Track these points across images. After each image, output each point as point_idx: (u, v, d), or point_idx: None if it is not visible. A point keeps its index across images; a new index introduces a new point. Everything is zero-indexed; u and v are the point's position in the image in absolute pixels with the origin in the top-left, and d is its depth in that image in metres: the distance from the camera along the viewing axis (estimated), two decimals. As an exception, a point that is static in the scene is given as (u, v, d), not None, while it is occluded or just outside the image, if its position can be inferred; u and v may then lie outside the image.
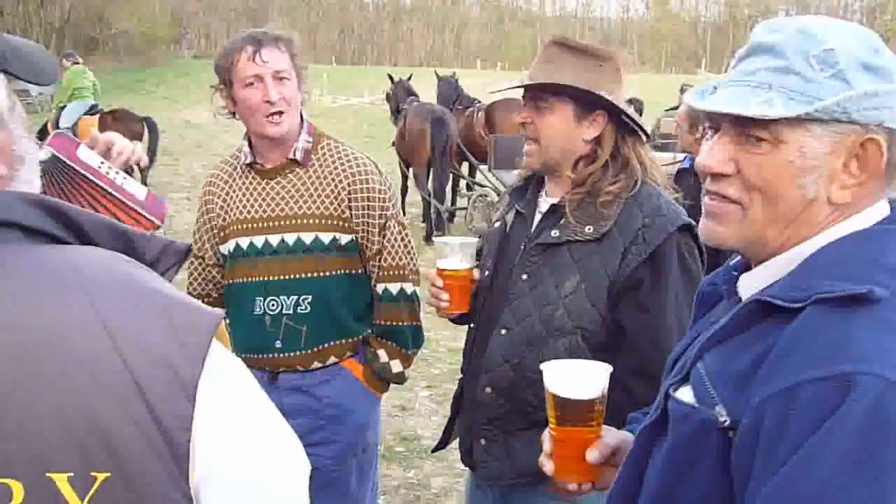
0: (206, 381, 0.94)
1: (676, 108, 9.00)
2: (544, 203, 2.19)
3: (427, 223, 10.34)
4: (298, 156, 2.55)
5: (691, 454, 1.14)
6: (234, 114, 2.56)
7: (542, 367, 1.54)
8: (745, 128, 1.14)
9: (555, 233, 2.08)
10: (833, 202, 1.13)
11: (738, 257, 1.29)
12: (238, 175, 2.62)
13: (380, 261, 2.60)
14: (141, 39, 38.72)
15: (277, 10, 57.61)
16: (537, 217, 2.18)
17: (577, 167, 2.12)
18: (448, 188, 11.17)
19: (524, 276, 2.10)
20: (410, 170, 10.95)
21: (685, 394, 1.19)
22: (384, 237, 2.58)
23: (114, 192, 2.07)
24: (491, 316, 2.18)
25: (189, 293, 2.68)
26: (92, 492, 0.88)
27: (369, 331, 2.67)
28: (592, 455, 1.45)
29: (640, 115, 9.77)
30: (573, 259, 2.05)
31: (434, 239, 2.36)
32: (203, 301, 2.66)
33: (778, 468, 0.99)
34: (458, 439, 2.37)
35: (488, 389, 2.13)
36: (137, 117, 12.61)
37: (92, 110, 12.69)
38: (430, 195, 10.31)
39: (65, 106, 12.89)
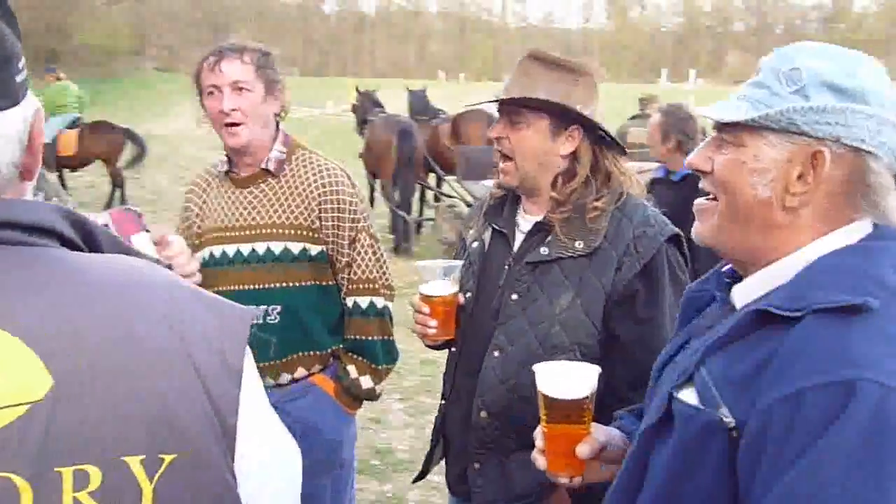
0: (245, 369, 1.03)
1: (637, 116, 9.12)
2: (525, 222, 2.16)
3: (395, 234, 10.35)
4: (271, 166, 2.54)
5: (696, 454, 1.20)
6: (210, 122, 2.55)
7: (534, 367, 1.58)
8: (721, 132, 1.31)
9: (544, 250, 2.05)
10: (786, 207, 1.24)
11: (728, 264, 1.41)
12: (216, 183, 2.62)
13: (349, 273, 2.58)
14: (102, 51, 38.35)
15: (239, 20, 57.37)
16: (519, 236, 2.16)
17: (556, 185, 2.09)
18: (416, 199, 11.20)
19: (514, 297, 2.07)
20: (377, 181, 10.97)
21: (689, 395, 1.25)
22: (354, 249, 2.56)
23: None
24: (477, 338, 2.13)
25: None
26: (160, 473, 0.93)
27: (340, 345, 2.64)
28: (583, 451, 1.51)
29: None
30: (565, 275, 2.03)
31: (417, 264, 2.36)
32: None
33: (785, 470, 1.05)
34: (438, 466, 2.33)
35: (483, 413, 2.08)
36: (117, 128, 12.62)
37: (73, 124, 12.63)
38: (397, 206, 10.32)
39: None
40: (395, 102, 12.83)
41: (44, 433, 0.89)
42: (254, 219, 2.53)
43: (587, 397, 1.55)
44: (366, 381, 2.63)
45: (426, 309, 2.14)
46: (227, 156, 2.60)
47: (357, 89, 12.23)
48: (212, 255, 2.55)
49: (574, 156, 2.08)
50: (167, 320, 0.98)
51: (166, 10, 49.66)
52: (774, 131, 1.23)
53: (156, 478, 0.93)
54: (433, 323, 2.14)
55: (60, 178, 12.78)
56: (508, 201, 2.24)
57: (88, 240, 1.05)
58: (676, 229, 2.04)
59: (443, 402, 2.30)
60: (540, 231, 2.10)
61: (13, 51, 0.99)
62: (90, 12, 39.56)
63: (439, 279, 2.13)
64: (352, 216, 2.56)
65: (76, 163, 12.77)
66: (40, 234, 0.99)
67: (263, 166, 2.54)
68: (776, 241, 1.26)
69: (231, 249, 2.53)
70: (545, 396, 1.56)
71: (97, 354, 0.93)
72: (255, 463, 1.04)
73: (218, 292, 2.44)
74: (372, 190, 11.32)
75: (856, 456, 1.01)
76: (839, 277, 1.16)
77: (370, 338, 2.60)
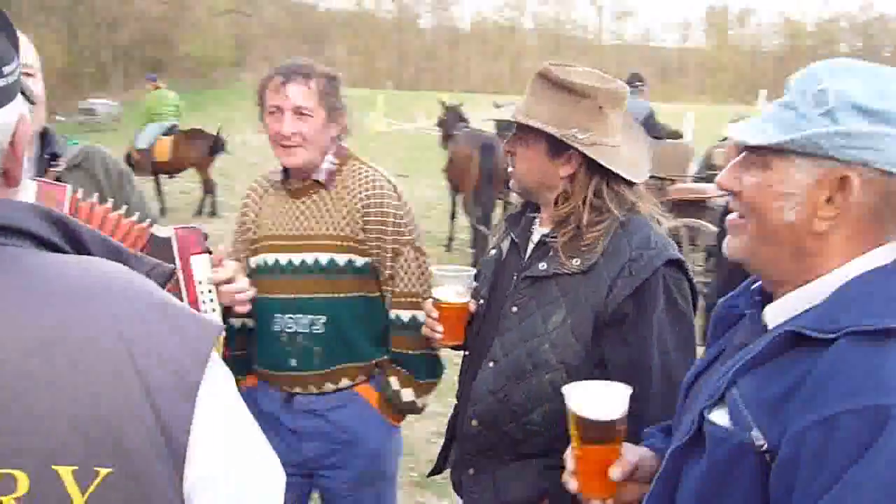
0: (205, 386, 1.00)
1: (727, 139, 8.92)
2: (537, 233, 2.17)
3: (475, 249, 10.35)
4: (321, 177, 2.58)
5: (727, 476, 1.20)
6: None
7: (564, 389, 1.58)
8: (749, 152, 1.30)
9: (543, 265, 2.06)
10: (814, 231, 1.23)
11: (757, 282, 1.40)
12: (271, 192, 2.68)
13: (392, 286, 2.60)
14: (203, 62, 39.59)
15: (336, 34, 58.47)
16: (530, 247, 2.16)
17: (557, 203, 2.10)
18: (497, 214, 11.19)
19: (514, 309, 2.08)
20: (459, 196, 11.00)
21: (720, 416, 1.25)
22: (397, 263, 2.57)
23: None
24: (482, 346, 2.15)
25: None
26: (93, 486, 0.91)
27: (385, 356, 2.65)
28: (615, 473, 1.51)
29: (654, 126, 9.78)
30: (560, 292, 2.02)
31: (432, 269, 2.38)
32: (236, 312, 2.70)
33: (819, 495, 1.05)
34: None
35: (474, 422, 2.11)
36: (209, 136, 12.93)
37: (169, 131, 13.07)
38: (477, 221, 10.33)
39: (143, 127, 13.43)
40: (484, 117, 12.88)
41: None
42: (304, 229, 2.57)
43: (619, 419, 1.54)
44: (407, 394, 2.63)
45: (434, 314, 2.19)
46: (282, 165, 2.65)
47: (443, 103, 12.29)
48: (265, 262, 2.60)
49: (571, 179, 2.07)
50: (118, 332, 0.96)
51: (267, 22, 51.02)
52: (801, 155, 1.22)
53: (89, 490, 0.91)
54: (440, 328, 2.19)
55: (157, 183, 13.25)
56: (528, 211, 2.25)
57: (73, 241, 1.05)
58: (678, 254, 2.00)
59: (456, 402, 2.33)
60: (544, 245, 2.11)
61: None
62: (194, 24, 40.90)
63: (452, 286, 2.17)
64: (395, 229, 2.57)
65: (171, 169, 13.16)
66: (8, 233, 0.99)
67: (315, 177, 2.59)
68: (808, 264, 1.25)
69: (283, 258, 2.57)
70: (578, 417, 1.55)
71: (36, 360, 0.92)
72: (216, 491, 1.00)
73: (267, 299, 2.53)
74: (454, 205, 11.34)
75: (889, 486, 1.01)
76: (872, 300, 1.16)
77: (412, 352, 2.60)
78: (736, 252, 1.34)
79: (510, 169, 2.18)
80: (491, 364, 2.08)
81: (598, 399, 1.55)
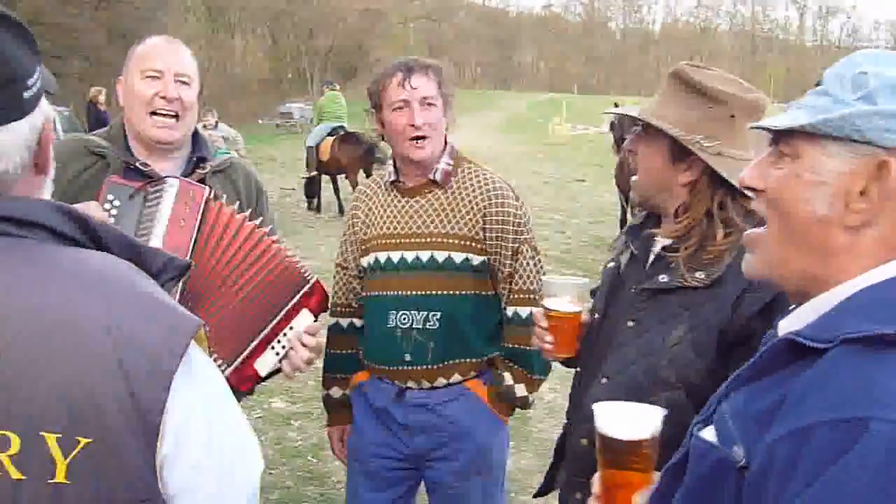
0: (180, 376, 1.11)
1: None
2: (658, 246, 2.06)
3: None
4: (438, 177, 2.65)
5: (708, 494, 1.13)
6: (382, 136, 2.71)
7: (594, 406, 1.51)
8: (776, 145, 1.19)
9: (663, 278, 1.95)
10: (846, 225, 1.11)
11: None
12: (382, 192, 2.76)
13: (511, 284, 2.65)
14: (395, 67, 40.85)
15: (526, 39, 58.67)
16: (651, 259, 2.07)
17: (677, 215, 1.98)
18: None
19: (630, 323, 1.99)
20: (629, 203, 10.85)
21: (708, 433, 1.18)
22: (516, 261, 2.63)
23: (259, 333, 2.27)
24: (596, 362, 2.08)
25: (333, 302, 2.84)
26: (74, 453, 1.05)
27: (496, 353, 2.71)
28: (638, 499, 1.41)
29: None
30: (682, 307, 1.92)
31: (543, 278, 2.38)
32: (344, 311, 2.84)
33: None
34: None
35: (584, 440, 2.03)
36: (362, 143, 12.87)
37: (333, 131, 13.57)
38: (647, 227, 10.12)
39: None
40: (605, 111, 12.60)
41: None
42: (419, 227, 2.65)
43: (645, 440, 1.44)
44: (520, 390, 2.68)
45: (544, 323, 2.12)
46: (393, 166, 2.75)
47: (616, 106, 12.11)
48: (377, 260, 2.70)
49: (692, 188, 1.96)
50: (105, 320, 1.08)
51: (458, 28, 52.03)
52: (835, 139, 1.11)
53: (71, 456, 1.05)
54: (549, 338, 2.12)
55: (334, 183, 13.72)
56: (649, 222, 2.15)
57: (92, 237, 1.18)
58: None
59: (566, 421, 2.27)
60: (665, 257, 2.00)
61: (21, 70, 1.14)
62: (387, 31, 42.37)
63: (563, 295, 2.10)
64: (515, 228, 2.64)
65: (331, 169, 13.45)
66: (27, 227, 1.13)
67: (431, 177, 2.66)
68: (834, 267, 1.13)
69: (395, 256, 2.66)
70: (600, 435, 1.47)
71: (33, 337, 1.06)
72: (186, 467, 1.12)
73: (381, 296, 2.65)
74: (623, 211, 11.19)
75: (860, 496, 0.91)
76: (880, 307, 1.05)
77: (529, 347, 2.59)
78: (756, 268, 1.23)
79: (633, 178, 2.07)
80: (604, 380, 2.00)
81: (624, 418, 1.46)
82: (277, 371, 2.36)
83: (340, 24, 38.78)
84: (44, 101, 1.20)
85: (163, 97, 2.31)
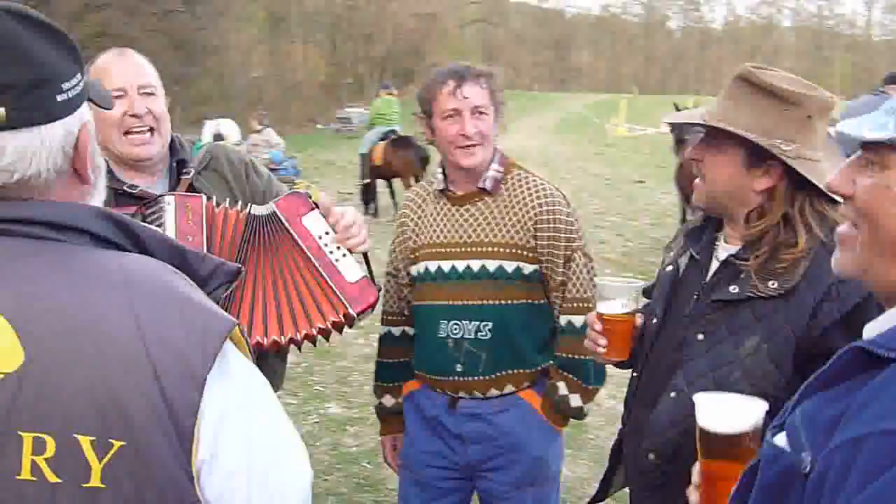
0: (214, 378, 1.09)
1: None
2: (723, 251, 2.01)
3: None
4: (488, 185, 2.63)
5: (776, 499, 1.11)
6: (431, 142, 2.69)
7: (695, 397, 1.48)
8: (864, 151, 1.16)
9: (734, 288, 1.90)
10: None
11: None
12: (431, 200, 2.74)
13: (564, 292, 2.61)
14: (451, 71, 41.02)
15: (583, 39, 58.33)
16: (714, 265, 2.01)
17: (748, 220, 1.92)
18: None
19: (700, 336, 1.94)
20: (689, 205, 10.67)
21: (780, 439, 1.15)
22: (569, 269, 2.59)
23: (320, 268, 2.22)
24: (658, 369, 2.04)
25: (384, 310, 2.84)
26: (108, 456, 1.04)
27: (550, 362, 2.66)
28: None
29: None
30: (755, 317, 1.86)
31: (596, 280, 2.34)
32: (396, 319, 2.81)
33: None
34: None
35: (651, 455, 1.98)
36: (413, 147, 12.76)
37: (385, 137, 13.55)
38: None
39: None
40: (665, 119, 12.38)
41: (11, 400, 1.04)
42: (469, 236, 2.62)
43: (746, 433, 1.44)
44: (575, 400, 2.64)
45: (598, 326, 2.09)
46: (442, 173, 2.72)
47: (675, 106, 11.93)
48: (427, 269, 2.67)
49: (769, 194, 1.90)
50: (137, 322, 1.08)
51: (514, 31, 51.96)
52: None
53: (105, 459, 1.04)
54: (602, 341, 2.08)
55: (390, 187, 13.77)
56: (710, 226, 2.09)
57: (135, 241, 1.19)
58: None
59: (622, 427, 2.23)
60: (733, 265, 1.94)
61: (54, 74, 1.14)
62: (444, 35, 42.48)
63: (616, 298, 2.07)
64: (567, 235, 2.59)
65: (385, 173, 13.34)
66: (66, 231, 1.13)
67: (480, 185, 2.63)
68: None
69: (446, 265, 2.64)
70: (700, 428, 1.47)
71: (66, 341, 1.06)
72: (222, 472, 1.11)
73: (431, 306, 2.62)
74: (683, 213, 11.00)
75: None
76: None
77: (583, 356, 2.58)
78: (846, 267, 1.21)
79: (696, 180, 2.03)
80: (672, 394, 1.96)
81: (725, 410, 1.45)
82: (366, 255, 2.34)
83: (397, 30, 39.00)
84: (83, 109, 1.21)
85: (132, 115, 2.27)
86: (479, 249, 2.61)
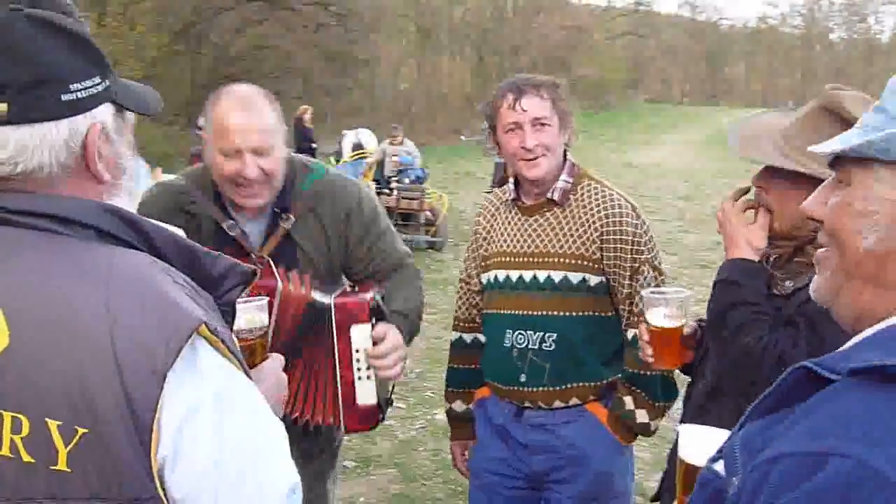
0: (178, 373, 1.11)
1: None
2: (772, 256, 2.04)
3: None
4: (556, 196, 2.62)
5: None
6: (499, 154, 2.71)
7: (679, 428, 1.48)
8: (833, 169, 1.10)
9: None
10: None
11: None
12: (503, 209, 2.76)
13: (630, 305, 2.56)
14: (598, 85, 40.65)
15: (738, 52, 56.49)
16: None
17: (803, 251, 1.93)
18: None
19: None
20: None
21: (719, 464, 1.09)
22: (636, 281, 2.54)
23: (339, 379, 2.33)
24: (707, 375, 2.07)
25: (456, 316, 2.88)
26: (73, 442, 1.09)
27: (618, 375, 2.62)
28: None
29: None
30: (769, 314, 1.88)
31: (642, 292, 2.29)
32: (467, 326, 2.84)
33: None
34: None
35: None
36: None
37: None
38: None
39: None
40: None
41: None
42: (536, 246, 2.62)
43: None
44: (641, 415, 2.58)
45: (646, 336, 2.12)
46: (513, 183, 2.73)
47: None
48: (496, 278, 2.69)
49: None
50: (108, 316, 1.11)
51: (665, 43, 50.91)
52: (885, 164, 1.01)
53: (70, 444, 1.08)
54: (649, 350, 2.12)
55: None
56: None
57: (144, 239, 1.22)
58: None
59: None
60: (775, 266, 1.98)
61: (58, 74, 1.18)
62: (591, 48, 42.14)
63: (664, 308, 2.09)
64: (634, 248, 2.55)
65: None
66: (71, 225, 1.17)
67: (549, 196, 2.63)
68: (890, 302, 1.02)
69: (514, 275, 2.64)
70: (680, 460, 1.44)
71: (46, 330, 1.11)
72: (189, 471, 1.12)
73: (499, 315, 2.66)
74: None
75: None
76: None
77: (650, 372, 2.54)
78: (820, 291, 1.13)
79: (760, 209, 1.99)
80: (700, 386, 2.03)
81: (705, 443, 1.37)
82: (389, 397, 2.46)
83: (543, 42, 39.00)
84: (99, 110, 1.25)
85: (244, 176, 2.27)
86: (546, 260, 2.60)
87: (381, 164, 13.85)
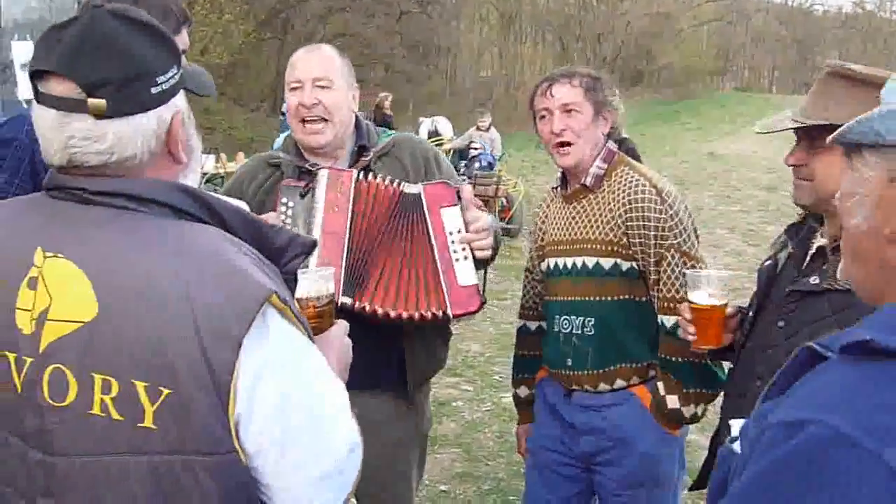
0: (251, 339, 1.21)
1: None
2: (816, 244, 2.03)
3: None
4: (588, 181, 2.68)
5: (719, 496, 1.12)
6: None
7: (731, 422, 1.49)
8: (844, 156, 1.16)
9: (814, 279, 1.93)
10: (889, 237, 1.06)
11: None
12: (553, 198, 2.86)
13: (657, 291, 2.60)
14: (683, 72, 39.84)
15: (832, 40, 54.65)
16: (808, 259, 2.04)
17: None
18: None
19: (780, 324, 1.98)
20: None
21: (738, 445, 1.17)
22: (661, 267, 2.57)
23: (439, 263, 2.42)
24: (748, 360, 2.09)
25: (522, 304, 3.00)
26: (159, 402, 1.20)
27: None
28: None
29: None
30: (832, 310, 1.87)
31: (686, 272, 2.51)
32: (531, 314, 2.95)
33: None
34: None
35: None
36: (626, 145, 12.87)
37: None
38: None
39: None
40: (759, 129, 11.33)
41: (87, 344, 1.20)
42: (575, 233, 2.70)
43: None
44: (671, 401, 2.60)
45: (688, 315, 2.16)
46: (561, 172, 2.81)
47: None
48: (549, 266, 2.79)
49: None
50: (186, 286, 1.21)
51: (754, 30, 49.57)
52: (871, 147, 1.06)
53: (157, 404, 1.19)
54: (691, 329, 2.15)
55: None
56: (809, 222, 2.12)
57: (212, 214, 1.32)
58: None
59: (720, 416, 2.25)
60: (820, 257, 1.97)
61: (147, 68, 1.28)
62: (678, 36, 41.31)
63: (706, 288, 2.12)
64: (658, 234, 2.56)
65: None
66: (147, 203, 1.28)
67: (583, 182, 2.69)
68: (890, 281, 1.08)
69: (561, 262, 2.73)
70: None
71: (129, 298, 1.21)
72: (257, 427, 1.23)
73: (552, 301, 2.81)
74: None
75: (759, 483, 0.92)
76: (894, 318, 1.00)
77: (677, 358, 2.57)
78: (841, 273, 1.21)
79: (800, 181, 2.02)
80: (758, 383, 1.99)
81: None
82: (486, 264, 2.51)
83: (628, 30, 38.42)
84: (178, 97, 1.36)
85: (303, 105, 2.46)
86: (582, 246, 2.67)
87: (457, 151, 13.93)
